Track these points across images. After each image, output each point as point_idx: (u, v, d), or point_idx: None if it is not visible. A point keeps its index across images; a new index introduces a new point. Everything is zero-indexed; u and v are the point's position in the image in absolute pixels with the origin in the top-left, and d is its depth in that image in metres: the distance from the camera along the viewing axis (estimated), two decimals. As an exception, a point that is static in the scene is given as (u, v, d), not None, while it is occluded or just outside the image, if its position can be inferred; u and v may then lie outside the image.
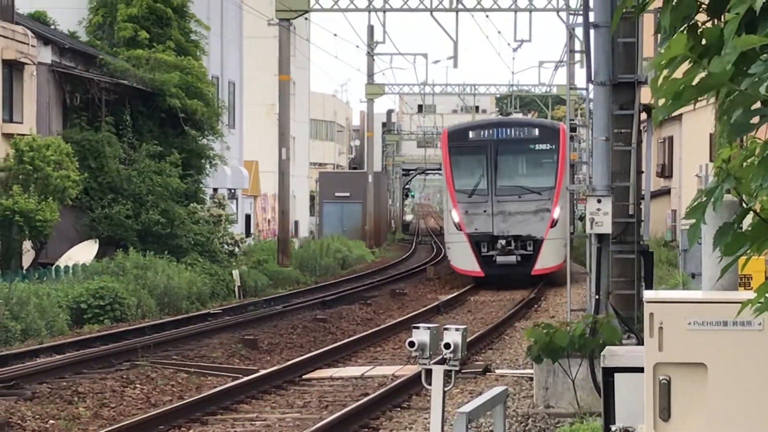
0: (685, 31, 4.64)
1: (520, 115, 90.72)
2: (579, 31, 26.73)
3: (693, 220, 4.93)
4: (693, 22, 4.74)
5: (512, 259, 45.23)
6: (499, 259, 45.28)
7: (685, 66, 4.61)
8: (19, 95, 37.56)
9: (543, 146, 46.38)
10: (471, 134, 47.04)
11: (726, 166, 4.95)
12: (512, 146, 46.42)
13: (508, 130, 47.10)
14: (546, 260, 45.37)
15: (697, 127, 46.85)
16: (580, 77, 40.70)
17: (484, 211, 45.55)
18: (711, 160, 42.01)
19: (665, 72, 4.58)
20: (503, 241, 45.20)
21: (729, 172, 4.81)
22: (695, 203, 4.84)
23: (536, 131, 47.24)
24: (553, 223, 45.21)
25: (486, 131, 47.07)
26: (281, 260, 47.61)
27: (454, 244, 46.63)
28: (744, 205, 4.92)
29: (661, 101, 4.50)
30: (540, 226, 45.42)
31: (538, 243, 45.32)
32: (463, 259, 46.22)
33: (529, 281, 45.38)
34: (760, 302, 4.82)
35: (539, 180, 45.93)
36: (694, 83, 4.38)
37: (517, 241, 45.55)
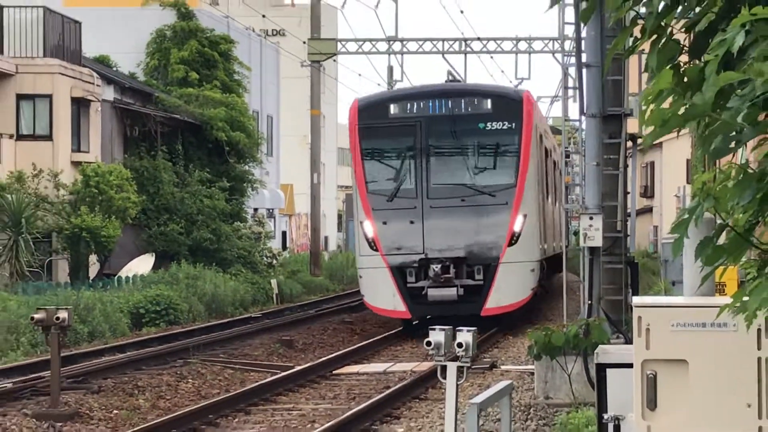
0: (669, 67, 4.66)
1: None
2: (572, 70, 26.71)
3: (677, 235, 4.95)
4: (676, 62, 4.77)
5: (451, 292, 27.33)
6: (432, 293, 27.32)
7: (670, 99, 4.62)
8: (85, 128, 37.66)
9: (499, 125, 28.23)
10: (393, 108, 28.49)
11: (705, 188, 4.95)
12: (454, 125, 28.33)
13: (449, 102, 28.50)
14: (503, 294, 27.65)
15: (675, 154, 46.71)
16: (574, 110, 40.55)
17: (411, 222, 27.61)
18: (688, 182, 41.99)
19: (652, 105, 4.59)
20: (438, 267, 27.31)
21: (708, 193, 4.82)
22: (679, 220, 4.85)
23: (489, 103, 28.43)
24: (514, 238, 27.69)
25: (415, 104, 28.57)
26: (313, 271, 47.61)
27: (368, 271, 28.15)
28: (721, 221, 4.92)
29: (650, 128, 4.51)
30: (494, 242, 27.66)
31: (490, 268, 27.61)
32: (379, 292, 27.99)
33: (481, 324, 22.84)
34: (736, 306, 4.84)
35: (493, 175, 28.21)
36: (679, 113, 4.39)
37: (459, 266, 27.63)
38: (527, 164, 28.23)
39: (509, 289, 27.62)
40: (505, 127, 28.21)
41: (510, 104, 28.47)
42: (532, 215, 28.27)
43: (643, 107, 4.59)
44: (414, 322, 28.57)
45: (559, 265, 34.25)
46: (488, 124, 28.24)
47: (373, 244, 27.89)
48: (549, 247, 31.93)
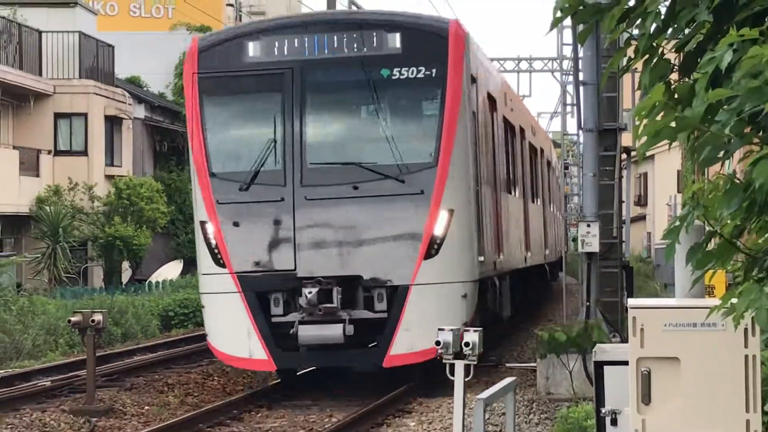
0: (662, 84, 4.68)
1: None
2: (570, 88, 26.69)
3: (669, 241, 4.96)
4: (668, 79, 4.79)
5: (335, 332, 16.62)
6: (305, 332, 16.70)
7: (662, 113, 4.63)
8: (118, 144, 37.76)
9: (412, 72, 17.24)
10: (252, 49, 17.53)
11: (695, 197, 4.95)
12: (343, 73, 17.60)
13: (336, 38, 17.42)
14: (416, 333, 16.65)
15: (667, 165, 46.62)
16: (572, 125, 40.54)
17: (276, 223, 17.14)
18: (678, 192, 41.91)
19: (645, 120, 4.61)
20: (314, 291, 16.64)
21: (698, 202, 4.83)
22: (671, 227, 4.86)
23: (396, 39, 17.32)
24: (433, 247, 16.93)
25: (285, 42, 17.45)
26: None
27: (212, 298, 17.57)
28: (710, 228, 4.93)
29: (644, 140, 4.52)
30: (402, 254, 16.95)
31: (398, 294, 16.84)
32: (229, 330, 17.44)
33: (385, 377, 17.73)
34: (725, 308, 4.84)
35: (403, 149, 17.19)
36: (670, 125, 4.41)
37: (349, 291, 16.93)
38: (454, 133, 16.92)
39: (426, 325, 15.93)
40: (421, 76, 17.08)
41: (429, 40, 17.24)
42: (463, 211, 17.07)
43: (637, 122, 4.61)
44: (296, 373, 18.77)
45: (557, 269, 33.99)
46: (395, 71, 17.14)
47: (218, 257, 17.15)
48: (525, 256, 24.31)
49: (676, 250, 5.02)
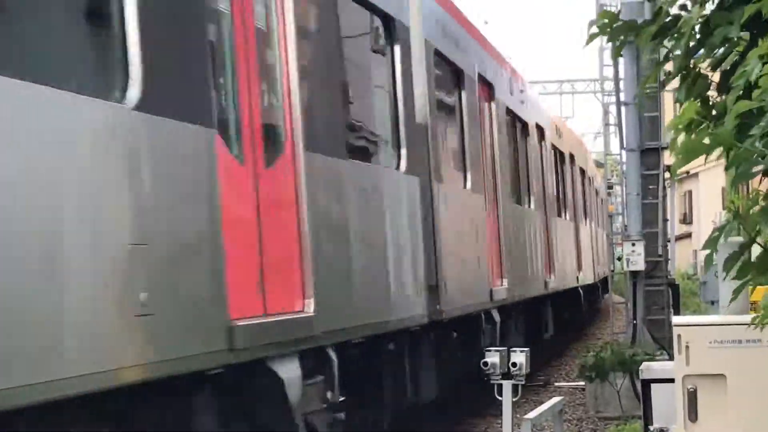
0: (696, 101, 4.65)
1: None
2: (612, 108, 26.62)
3: (708, 251, 4.93)
4: (705, 96, 4.76)
5: None
6: None
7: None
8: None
9: None
10: None
11: (734, 207, 4.90)
12: None
13: None
14: None
15: (711, 182, 46.36)
16: (614, 145, 40.35)
17: None
18: (724, 209, 41.52)
19: (681, 135, 4.57)
20: None
21: (737, 212, 4.79)
22: (711, 237, 4.83)
23: None
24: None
25: None
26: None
27: None
28: (749, 237, 4.88)
29: (679, 158, 4.49)
30: None
31: None
32: None
33: None
34: (765, 321, 4.80)
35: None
36: (704, 142, 4.38)
37: None
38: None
39: None
40: None
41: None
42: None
43: (672, 135, 4.58)
44: None
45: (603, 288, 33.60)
46: None
47: None
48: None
49: (719, 266, 4.97)
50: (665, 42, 5.03)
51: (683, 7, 5.03)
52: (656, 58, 5.29)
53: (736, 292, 4.90)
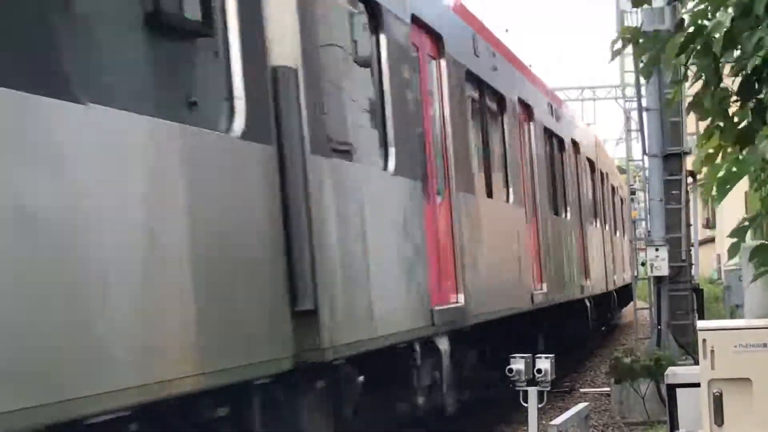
0: (716, 129, 4.66)
1: None
2: (634, 114, 26.56)
3: (737, 260, 4.95)
4: (726, 112, 4.78)
5: None
6: None
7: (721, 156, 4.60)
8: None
9: None
10: None
11: (765, 203, 4.92)
12: None
13: None
14: None
15: (735, 187, 46.18)
16: (637, 151, 40.21)
17: None
18: (747, 213, 41.29)
19: (709, 165, 4.59)
20: None
21: (766, 210, 4.81)
22: (740, 226, 4.84)
23: None
24: None
25: None
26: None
27: None
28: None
29: (713, 196, 4.49)
30: None
31: None
32: None
33: None
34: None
35: None
36: (733, 170, 4.40)
37: None
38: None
39: None
40: None
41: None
42: None
43: (698, 150, 4.61)
44: None
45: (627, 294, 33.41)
46: None
47: None
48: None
49: (745, 271, 4.99)
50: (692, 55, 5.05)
51: (704, 14, 5.05)
52: (679, 77, 5.31)
53: (756, 276, 4.89)
